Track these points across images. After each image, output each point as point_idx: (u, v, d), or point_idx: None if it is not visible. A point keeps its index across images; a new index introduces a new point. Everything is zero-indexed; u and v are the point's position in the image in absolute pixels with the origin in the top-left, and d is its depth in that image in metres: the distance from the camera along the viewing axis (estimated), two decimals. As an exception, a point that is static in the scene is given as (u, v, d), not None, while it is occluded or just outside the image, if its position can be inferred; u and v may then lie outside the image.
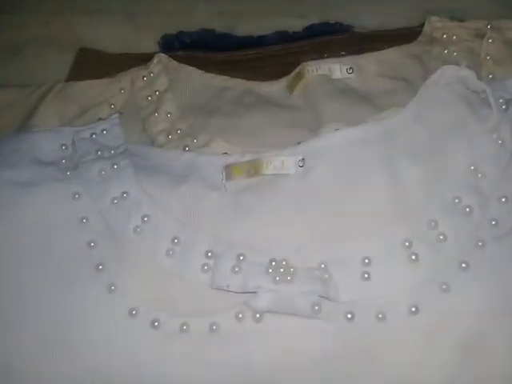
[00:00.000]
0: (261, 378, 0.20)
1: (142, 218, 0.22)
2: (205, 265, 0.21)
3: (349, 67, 0.27)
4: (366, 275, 0.20)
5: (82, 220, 0.22)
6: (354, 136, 0.22)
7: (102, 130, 0.25)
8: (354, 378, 0.20)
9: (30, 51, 0.35)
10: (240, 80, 0.30)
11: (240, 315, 0.20)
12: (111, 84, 0.31)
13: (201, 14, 0.35)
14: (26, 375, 0.21)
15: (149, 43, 0.34)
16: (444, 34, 0.29)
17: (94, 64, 0.33)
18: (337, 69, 0.27)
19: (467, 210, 0.21)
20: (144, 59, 0.32)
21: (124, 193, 0.23)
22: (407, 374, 0.19)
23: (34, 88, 0.31)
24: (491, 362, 0.20)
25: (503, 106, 0.23)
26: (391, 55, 0.28)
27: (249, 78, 0.30)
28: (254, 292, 0.20)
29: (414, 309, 0.20)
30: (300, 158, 0.22)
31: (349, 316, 0.20)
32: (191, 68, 0.31)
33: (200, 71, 0.31)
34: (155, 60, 0.31)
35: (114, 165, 0.23)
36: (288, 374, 0.20)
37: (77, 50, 0.33)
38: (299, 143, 0.23)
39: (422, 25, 0.30)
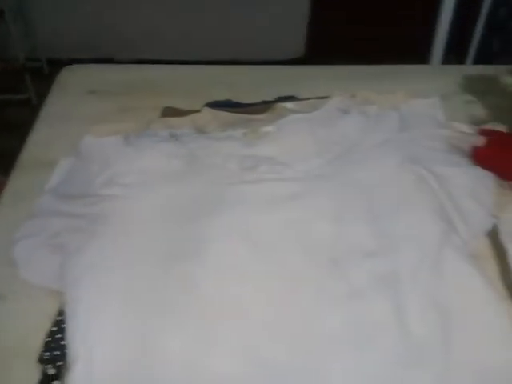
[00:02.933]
0: None
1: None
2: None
3: (295, 103, 0.62)
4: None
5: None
6: (299, 117, 0.56)
7: (186, 132, 0.58)
8: None
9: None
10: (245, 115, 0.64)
11: None
12: (185, 120, 0.64)
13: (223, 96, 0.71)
14: None
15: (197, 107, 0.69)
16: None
17: (171, 111, 0.67)
18: (288, 104, 0.62)
19: (341, 142, 0.54)
20: (195, 112, 0.67)
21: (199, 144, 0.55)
22: None
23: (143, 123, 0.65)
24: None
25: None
26: (313, 100, 0.63)
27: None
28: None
29: None
30: (276, 125, 0.56)
31: None
32: (220, 112, 0.65)
33: (226, 113, 0.65)
34: (204, 110, 0.65)
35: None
36: None
37: (163, 107, 0.68)
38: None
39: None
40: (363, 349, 0.41)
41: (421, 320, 0.42)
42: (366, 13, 1.49)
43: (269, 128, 0.56)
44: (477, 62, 0.98)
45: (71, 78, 0.75)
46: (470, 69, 0.83)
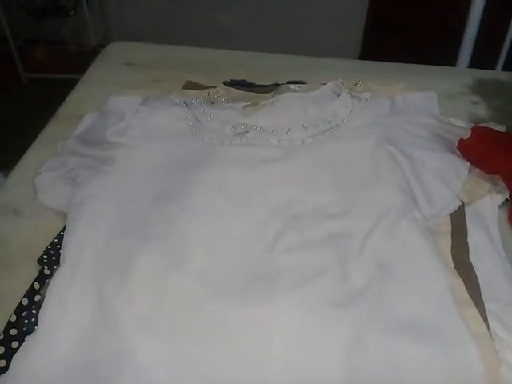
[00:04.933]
0: None
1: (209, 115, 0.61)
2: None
3: (298, 86, 0.68)
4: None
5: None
6: (295, 95, 0.62)
7: (197, 101, 0.66)
8: None
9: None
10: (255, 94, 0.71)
11: None
12: (201, 92, 0.72)
13: (240, 76, 0.78)
14: None
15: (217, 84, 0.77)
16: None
17: (192, 85, 0.75)
18: (292, 85, 0.68)
19: (328, 120, 0.59)
20: (212, 87, 0.75)
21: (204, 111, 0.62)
22: None
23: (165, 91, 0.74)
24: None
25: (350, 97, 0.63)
26: (315, 84, 0.69)
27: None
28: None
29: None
30: (273, 99, 0.62)
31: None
32: (233, 89, 0.72)
33: (238, 90, 0.72)
34: (219, 86, 0.73)
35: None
36: None
37: (186, 81, 0.76)
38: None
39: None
40: (303, 287, 0.46)
41: (361, 272, 0.47)
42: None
43: (266, 102, 0.63)
44: (506, 69, 0.99)
45: (114, 52, 0.86)
46: (485, 73, 0.84)
